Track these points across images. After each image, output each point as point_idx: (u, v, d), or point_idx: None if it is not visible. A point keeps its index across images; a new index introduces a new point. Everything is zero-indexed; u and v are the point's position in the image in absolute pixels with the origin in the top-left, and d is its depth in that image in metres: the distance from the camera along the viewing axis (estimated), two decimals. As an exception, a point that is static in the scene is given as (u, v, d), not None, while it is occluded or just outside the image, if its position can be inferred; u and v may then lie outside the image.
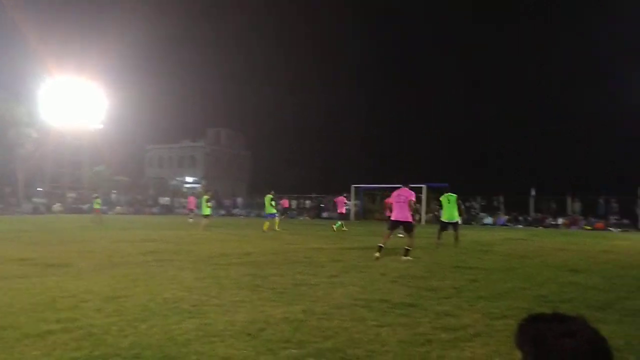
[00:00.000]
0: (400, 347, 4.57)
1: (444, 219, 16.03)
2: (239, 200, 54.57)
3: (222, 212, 53.29)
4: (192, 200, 32.25)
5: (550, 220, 35.48)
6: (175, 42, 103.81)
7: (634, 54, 61.37)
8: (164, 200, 57.87)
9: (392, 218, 12.37)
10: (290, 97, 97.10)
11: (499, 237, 21.71)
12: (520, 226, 35.59)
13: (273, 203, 24.43)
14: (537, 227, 34.50)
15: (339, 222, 25.43)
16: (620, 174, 42.50)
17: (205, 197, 25.40)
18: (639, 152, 52.23)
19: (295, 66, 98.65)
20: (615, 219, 33.52)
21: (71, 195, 55.05)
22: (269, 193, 24.63)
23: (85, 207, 52.14)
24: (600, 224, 33.22)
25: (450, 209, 15.84)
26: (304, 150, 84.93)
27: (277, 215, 25.12)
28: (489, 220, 37.48)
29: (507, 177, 51.18)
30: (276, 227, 24.12)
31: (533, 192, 38.38)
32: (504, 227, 35.09)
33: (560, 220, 35.30)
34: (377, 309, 6.14)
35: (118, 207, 51.18)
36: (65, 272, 8.94)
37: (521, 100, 70.74)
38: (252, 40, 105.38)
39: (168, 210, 54.97)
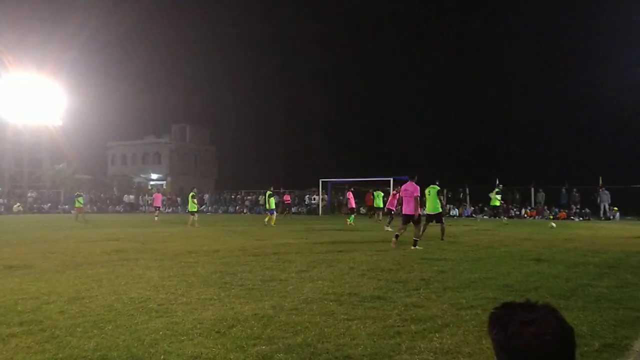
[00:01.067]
0: (370, 339, 4.58)
1: (427, 211, 15.99)
2: (206, 196, 54.02)
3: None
4: (157, 197, 31.71)
5: (515, 211, 36.17)
6: (138, 37, 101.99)
7: (600, 42, 62.86)
8: (129, 198, 56.89)
9: (403, 212, 13.27)
10: (255, 91, 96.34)
11: (465, 228, 22.04)
12: (486, 217, 36.21)
13: (271, 199, 25.28)
14: (502, 217, 35.12)
15: (352, 217, 25.87)
16: (582, 164, 43.69)
17: (192, 193, 25.92)
18: (599, 142, 53.64)
19: (258, 60, 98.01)
20: (577, 209, 34.40)
21: (32, 194, 53.64)
22: (269, 189, 25.96)
23: (47, 206, 50.99)
24: (562, 214, 34.05)
25: (432, 201, 15.78)
26: (271, 144, 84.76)
27: (275, 211, 25.55)
28: (455, 212, 38.02)
29: (472, 168, 52.04)
30: (272, 222, 24.39)
31: (498, 182, 39.05)
32: (470, 218, 35.65)
33: (524, 211, 36.03)
34: (347, 303, 6.15)
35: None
36: (26, 273, 8.69)
37: (483, 93, 71.88)
38: (214, 35, 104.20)
39: (133, 208, 54.13)
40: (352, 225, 23.90)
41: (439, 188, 15.90)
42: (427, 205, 16.04)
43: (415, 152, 64.11)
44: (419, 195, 13.08)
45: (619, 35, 57.74)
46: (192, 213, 24.52)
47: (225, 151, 78.11)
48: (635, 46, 46.30)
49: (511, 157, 56.14)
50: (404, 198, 13.23)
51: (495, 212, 30.03)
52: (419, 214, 13.08)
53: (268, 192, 25.75)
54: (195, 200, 25.31)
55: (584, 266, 9.23)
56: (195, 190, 27.43)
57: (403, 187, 13.35)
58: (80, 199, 30.16)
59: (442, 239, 14.97)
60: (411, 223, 12.95)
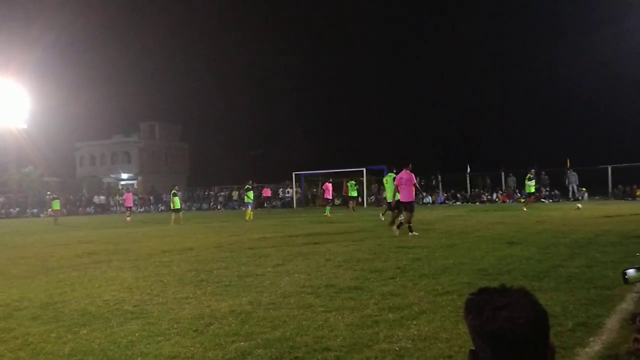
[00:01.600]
0: (349, 330, 4.60)
1: (388, 199, 16.20)
2: (179, 194, 53.46)
3: (162, 207, 52.21)
4: (129, 197, 31.19)
5: (487, 196, 36.68)
6: (102, 36, 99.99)
7: (566, 22, 63.92)
8: (99, 199, 55.95)
9: (400, 199, 13.59)
10: (224, 85, 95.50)
11: (439, 215, 22.28)
12: (459, 203, 36.66)
13: (249, 194, 25.92)
14: (474, 203, 35.62)
15: (327, 208, 25.99)
16: (550, 147, 44.53)
17: (173, 191, 26.60)
18: (565, 125, 54.73)
19: (226, 54, 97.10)
20: (547, 191, 35.03)
21: (-2, 199, 52.40)
22: (248, 183, 27.04)
23: (15, 211, 49.88)
24: (532, 197, 34.64)
25: (390, 190, 16.06)
26: (242, 139, 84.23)
27: (251, 205, 25.76)
28: (428, 199, 38.38)
29: (443, 156, 52.58)
30: (248, 217, 24.48)
31: (469, 169, 39.56)
32: (443, 205, 36.05)
33: (495, 196, 36.55)
34: (324, 295, 6.15)
35: (49, 209, 49.09)
36: (-5, 281, 8.49)
37: (450, 80, 72.54)
38: (179, 32, 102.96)
39: (104, 209, 53.26)
40: (329, 217, 23.93)
41: (394, 176, 15.76)
42: (387, 193, 16.32)
43: (385, 142, 64.58)
44: (415, 182, 13.58)
45: (581, 14, 58.80)
46: (177, 211, 25.12)
47: (197, 147, 77.40)
48: (599, 24, 47.24)
49: (481, 142, 56.86)
50: (400, 186, 13.55)
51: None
52: (409, 201, 13.38)
53: (247, 187, 26.56)
54: (177, 198, 25.85)
55: (556, 247, 9.41)
56: (177, 187, 27.91)
57: (399, 176, 13.78)
58: (57, 202, 29.58)
59: (389, 224, 14.91)
60: (405, 210, 13.39)
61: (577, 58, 52.45)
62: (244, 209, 25.90)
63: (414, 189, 13.47)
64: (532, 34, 68.02)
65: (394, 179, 15.59)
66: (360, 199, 41.00)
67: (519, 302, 1.32)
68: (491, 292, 1.37)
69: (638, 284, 3.03)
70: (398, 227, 13.24)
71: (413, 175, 13.55)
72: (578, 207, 22.06)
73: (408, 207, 13.32)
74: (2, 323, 5.50)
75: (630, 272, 2.85)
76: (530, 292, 1.39)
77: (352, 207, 30.27)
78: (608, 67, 47.93)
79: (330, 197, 28.23)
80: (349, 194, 31.77)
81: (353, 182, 31.62)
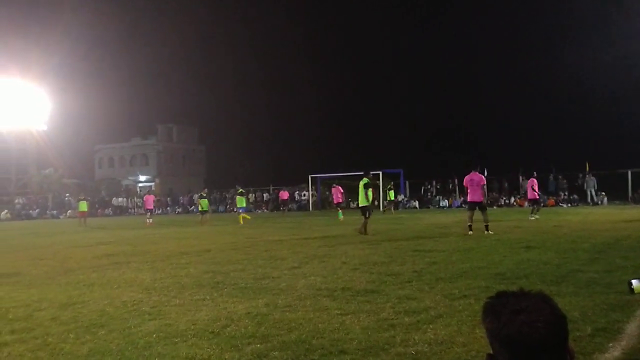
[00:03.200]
0: (365, 333, 4.59)
1: (361, 204, 15.88)
2: (195, 196, 53.81)
3: (179, 209, 52.57)
4: (149, 199, 31.27)
5: (504, 200, 36.36)
6: (121, 40, 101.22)
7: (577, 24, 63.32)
8: (118, 201, 56.54)
9: (469, 199, 14.36)
10: (241, 88, 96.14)
11: (455, 218, 22.13)
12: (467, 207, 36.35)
13: (240, 199, 26.68)
14: (491, 206, 35.33)
15: (340, 212, 25.51)
16: (568, 151, 44.02)
17: (201, 193, 28.25)
18: (585, 129, 54.09)
19: (243, 57, 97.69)
20: (565, 195, 34.64)
21: (19, 201, 53.16)
22: (239, 189, 27.84)
23: (35, 212, 50.57)
24: (551, 201, 34.28)
25: (361, 194, 15.70)
26: (259, 141, 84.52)
27: (243, 210, 26.36)
28: (444, 202, 38.15)
29: (460, 159, 52.21)
30: (240, 221, 24.74)
31: (485, 173, 39.24)
32: (460, 208, 35.81)
33: (513, 199, 36.23)
34: (340, 298, 6.15)
35: (69, 211, 49.72)
36: (16, 281, 8.62)
37: (468, 84, 72.06)
38: (198, 35, 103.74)
39: (123, 211, 53.80)
40: (341, 220, 23.72)
41: (367, 181, 15.73)
42: (359, 198, 16.07)
43: (403, 145, 64.35)
44: (485, 183, 14.23)
45: (598, 11, 58.02)
46: (204, 212, 26.56)
47: (214, 150, 77.83)
48: (616, 21, 46.54)
49: (498, 146, 56.43)
50: (470, 187, 14.16)
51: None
52: (480, 201, 14.04)
53: (239, 190, 27.53)
54: (206, 200, 27.35)
55: (574, 252, 9.30)
56: (205, 190, 29.58)
57: (468, 177, 14.31)
58: (84, 203, 29.88)
59: (360, 233, 14.85)
60: (478, 209, 13.99)
61: (595, 58, 51.87)
62: (241, 211, 26.22)
63: (483, 189, 14.08)
64: (547, 35, 67.48)
65: (365, 184, 15.57)
66: (376, 203, 40.98)
67: (538, 306, 1.31)
68: (509, 296, 1.37)
69: None
70: (471, 227, 13.67)
71: (482, 176, 14.28)
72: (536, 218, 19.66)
73: (481, 206, 14.02)
74: (22, 323, 5.57)
75: (635, 282, 2.82)
76: (549, 296, 1.38)
77: (392, 209, 31.60)
78: (628, 67, 47.29)
79: (341, 201, 27.61)
80: (389, 198, 33.01)
81: (391, 187, 33.01)
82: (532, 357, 1.26)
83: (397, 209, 35.80)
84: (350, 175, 38.93)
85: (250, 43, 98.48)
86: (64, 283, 8.20)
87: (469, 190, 14.31)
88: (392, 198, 33.41)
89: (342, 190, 28.27)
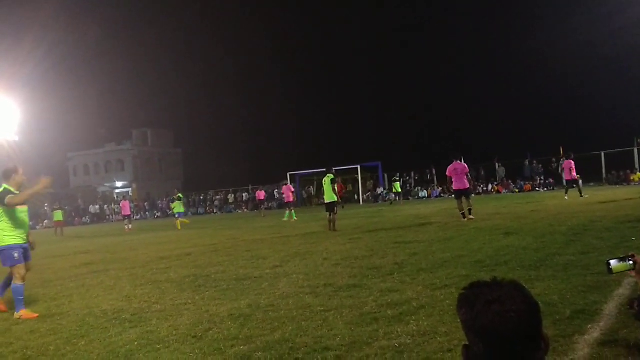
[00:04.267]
0: (348, 329, 4.59)
1: (327, 200, 15.68)
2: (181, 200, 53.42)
3: (158, 213, 52.12)
4: (125, 205, 30.95)
5: (482, 187, 36.75)
6: (91, 45, 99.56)
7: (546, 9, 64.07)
8: (95, 208, 55.85)
9: (455, 188, 14.89)
10: (213, 88, 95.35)
11: (435, 209, 22.31)
12: (453, 196, 36.71)
13: (179, 203, 26.72)
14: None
15: (288, 212, 24.52)
16: (542, 136, 44.63)
17: (175, 197, 28.20)
18: (557, 112, 54.87)
19: (215, 58, 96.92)
20: (541, 180, 35.14)
21: (-7, 213, 52.11)
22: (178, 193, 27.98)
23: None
24: (527, 186, 34.76)
25: (328, 190, 15.54)
26: (236, 141, 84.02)
27: (180, 215, 26.19)
28: (424, 193, 38.45)
29: (436, 149, 52.59)
30: (178, 226, 24.78)
31: (462, 162, 39.63)
32: (439, 198, 36.11)
33: (490, 186, 36.66)
34: (323, 294, 6.14)
35: (46, 221, 48.96)
36: (-8, 296, 8.43)
37: (438, 74, 72.51)
38: (167, 38, 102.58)
39: (100, 218, 53.18)
40: (295, 221, 22.51)
41: (332, 177, 15.68)
42: (325, 195, 15.91)
43: (378, 138, 64.60)
44: (468, 171, 14.98)
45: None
46: (178, 215, 26.56)
47: (190, 152, 77.22)
48: (583, 5, 47.17)
49: (473, 134, 56.93)
50: (454, 176, 14.71)
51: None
52: (467, 188, 14.75)
53: (178, 195, 27.58)
54: (179, 203, 27.31)
55: (552, 235, 9.43)
56: (178, 193, 29.09)
57: (452, 166, 14.85)
58: (59, 213, 29.48)
59: (335, 230, 14.75)
60: (465, 198, 14.59)
61: (564, 42, 52.59)
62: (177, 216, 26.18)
63: (468, 177, 14.81)
64: (513, 20, 68.11)
65: (332, 180, 15.59)
66: (356, 196, 41.09)
67: (510, 295, 1.32)
68: (482, 286, 1.38)
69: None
70: (464, 215, 14.21)
71: (466, 165, 15.05)
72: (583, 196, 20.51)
73: (466, 194, 14.67)
74: (0, 338, 5.47)
75: (614, 262, 2.85)
76: (521, 284, 1.39)
77: (400, 201, 32.50)
78: (595, 53, 48.05)
79: (291, 200, 25.70)
80: (394, 190, 33.59)
81: (397, 179, 33.55)
82: (507, 346, 1.26)
83: (406, 199, 35.99)
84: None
85: (222, 43, 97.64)
86: (42, 295, 8.05)
87: (453, 180, 14.77)
88: (399, 190, 33.56)
89: (292, 189, 27.00)
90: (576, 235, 9.19)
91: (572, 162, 20.93)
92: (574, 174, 20.92)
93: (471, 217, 14.24)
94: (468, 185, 14.79)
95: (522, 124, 54.54)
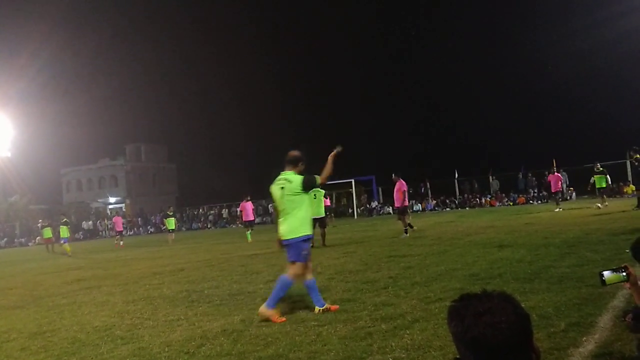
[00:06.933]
0: (342, 344, 4.55)
1: (313, 215, 15.53)
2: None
3: (151, 229, 51.88)
4: (118, 221, 30.87)
5: (476, 200, 36.81)
6: (84, 61, 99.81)
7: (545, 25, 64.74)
8: (87, 224, 55.55)
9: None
10: (206, 102, 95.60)
11: (429, 222, 22.30)
12: (448, 209, 36.77)
13: (65, 227, 25.20)
14: (464, 208, 35.76)
15: (249, 233, 21.44)
16: (536, 149, 44.84)
17: (168, 212, 28.28)
18: (550, 126, 55.23)
19: (207, 72, 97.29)
20: (535, 192, 35.21)
21: (-15, 230, 51.77)
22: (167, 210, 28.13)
23: (3, 241, 49.33)
24: (521, 199, 34.83)
25: (318, 205, 15.08)
26: (230, 156, 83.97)
27: (64, 240, 24.97)
28: (418, 207, 38.46)
29: (430, 163, 52.75)
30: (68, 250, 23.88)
31: (456, 175, 39.78)
32: (433, 211, 36.13)
33: (484, 200, 36.71)
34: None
35: (38, 237, 48.57)
36: (-17, 313, 8.35)
37: (435, 87, 72.96)
38: (161, 53, 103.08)
39: (93, 234, 52.88)
40: (249, 242, 20.15)
41: (324, 191, 15.53)
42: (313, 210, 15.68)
43: (372, 152, 64.74)
44: (406, 189, 16.00)
45: (556, 5, 59.36)
46: (171, 231, 26.63)
47: (184, 167, 77.09)
48: (573, 14, 47.58)
49: (467, 147, 57.18)
50: (395, 193, 16.06)
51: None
52: (401, 206, 15.84)
53: (64, 220, 26.12)
54: (171, 219, 27.18)
55: (546, 248, 9.42)
56: (171, 209, 29.37)
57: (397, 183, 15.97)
58: (48, 230, 29.22)
59: (324, 245, 14.70)
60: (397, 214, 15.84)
61: (556, 56, 53.09)
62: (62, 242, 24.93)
63: (403, 195, 15.78)
64: (509, 33, 68.74)
65: (324, 195, 15.65)
66: (350, 210, 41.05)
67: (500, 306, 1.31)
68: (472, 298, 1.36)
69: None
70: (406, 231, 15.14)
71: (404, 183, 16.00)
72: (598, 206, 19.85)
73: (399, 211, 15.95)
74: (-11, 356, 5.40)
75: (607, 274, 2.84)
76: (511, 295, 1.38)
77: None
78: (587, 66, 48.52)
79: (252, 219, 22.79)
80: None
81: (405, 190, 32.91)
82: (497, 358, 1.25)
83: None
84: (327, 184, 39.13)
85: (216, 58, 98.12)
86: (33, 311, 7.98)
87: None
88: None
89: (253, 206, 24.09)
90: (570, 247, 9.19)
91: (560, 176, 22.07)
92: (560, 185, 22.04)
93: (406, 234, 15.04)
94: (398, 204, 16.07)
95: (516, 137, 54.87)
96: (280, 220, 6.10)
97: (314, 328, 5.19)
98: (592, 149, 37.15)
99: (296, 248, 5.97)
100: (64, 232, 25.01)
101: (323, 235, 15.08)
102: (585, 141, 42.61)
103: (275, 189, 6.14)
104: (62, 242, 24.81)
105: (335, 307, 6.02)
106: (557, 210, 21.12)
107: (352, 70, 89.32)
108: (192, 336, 5.36)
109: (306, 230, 6.02)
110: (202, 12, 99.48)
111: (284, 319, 5.71)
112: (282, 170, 6.31)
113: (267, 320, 5.67)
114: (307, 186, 6.04)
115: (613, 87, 48.29)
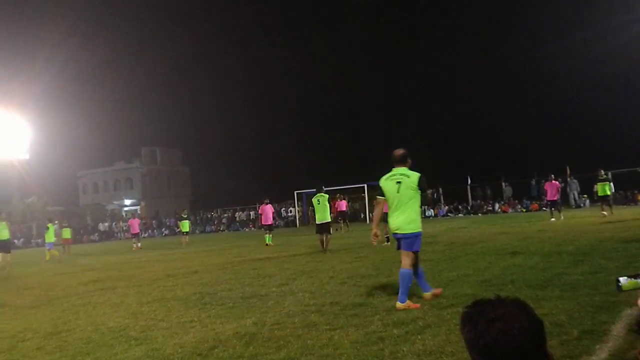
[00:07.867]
0: (354, 348, 4.57)
1: (319, 220, 15.08)
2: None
3: (165, 231, 52.19)
4: (134, 223, 30.84)
5: (488, 206, 36.58)
6: (101, 63, 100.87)
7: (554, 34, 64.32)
8: (103, 226, 56.03)
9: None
10: (221, 107, 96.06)
11: (441, 227, 22.22)
12: (461, 215, 36.58)
13: (50, 233, 25.34)
14: (476, 214, 35.55)
15: (268, 236, 20.54)
16: (549, 155, 44.44)
17: (182, 215, 28.93)
18: (565, 133, 54.73)
19: (222, 77, 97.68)
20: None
21: (3, 231, 52.33)
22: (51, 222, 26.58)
23: (20, 242, 49.89)
24: (534, 205, 34.54)
25: (323, 210, 14.95)
26: (244, 160, 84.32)
27: (50, 245, 25.06)
28: (430, 212, 38.29)
29: (443, 168, 52.48)
30: (47, 257, 23.95)
31: (469, 181, 39.56)
32: (445, 217, 35.96)
33: (497, 206, 36.48)
34: (329, 313, 6.13)
35: (54, 238, 49.06)
36: (0, 312, 8.48)
37: (445, 90, 72.66)
38: (177, 56, 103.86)
39: (108, 236, 53.30)
40: (271, 245, 19.65)
41: (327, 196, 15.33)
42: (317, 215, 15.31)
43: (386, 158, 64.45)
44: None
45: (571, 14, 58.91)
46: (185, 233, 27.13)
47: (198, 171, 77.51)
48: (587, 24, 47.26)
49: (480, 153, 56.85)
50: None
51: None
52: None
53: (48, 224, 25.99)
54: (186, 222, 27.73)
55: (559, 255, 9.37)
56: (185, 211, 29.97)
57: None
58: (67, 230, 29.39)
59: (325, 251, 14.35)
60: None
61: (571, 64, 52.63)
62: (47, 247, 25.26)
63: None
64: (518, 38, 68.38)
65: (329, 200, 15.32)
66: (362, 215, 40.98)
67: (513, 312, 1.31)
68: (485, 304, 1.37)
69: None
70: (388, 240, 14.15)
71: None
72: (603, 214, 19.70)
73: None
74: (6, 355, 5.49)
75: (623, 280, 2.84)
76: (525, 302, 1.38)
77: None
78: (600, 72, 48.06)
79: (271, 222, 21.32)
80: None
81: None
82: None
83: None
84: (335, 189, 39.08)
85: (231, 63, 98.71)
86: (49, 312, 8.09)
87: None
88: None
89: (273, 209, 22.75)
90: (584, 255, 9.13)
91: (558, 184, 21.18)
92: (556, 193, 21.06)
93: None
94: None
95: (529, 143, 54.45)
96: (393, 214, 6.44)
97: (325, 332, 5.22)
98: (606, 156, 36.77)
99: (413, 240, 6.31)
100: (50, 236, 25.32)
101: (327, 241, 14.70)
102: (600, 148, 42.14)
103: (389, 183, 6.46)
104: (47, 247, 25.07)
105: (439, 290, 6.61)
106: (552, 220, 19.90)
107: (365, 74, 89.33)
108: (205, 338, 5.41)
109: (420, 224, 6.43)
110: (220, 17, 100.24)
111: (417, 305, 6.04)
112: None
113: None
114: (424, 186, 6.40)
115: (628, 93, 47.81)
